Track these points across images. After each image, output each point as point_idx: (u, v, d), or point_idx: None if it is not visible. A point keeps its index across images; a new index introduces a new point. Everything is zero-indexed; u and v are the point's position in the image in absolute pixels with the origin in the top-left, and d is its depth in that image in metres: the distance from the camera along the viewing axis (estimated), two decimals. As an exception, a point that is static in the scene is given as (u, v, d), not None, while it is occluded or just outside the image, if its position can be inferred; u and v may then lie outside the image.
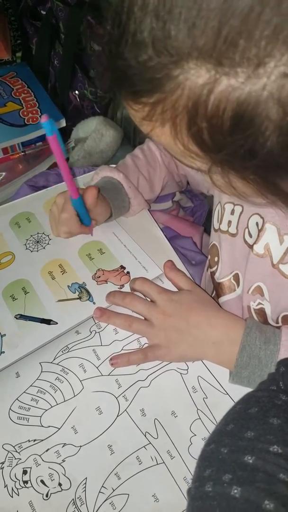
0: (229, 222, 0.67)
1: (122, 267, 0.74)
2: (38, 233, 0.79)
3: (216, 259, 0.71)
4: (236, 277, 0.68)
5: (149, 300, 0.66)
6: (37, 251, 0.77)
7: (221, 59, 0.32)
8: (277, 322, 0.63)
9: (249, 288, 0.65)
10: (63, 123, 1.11)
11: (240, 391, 0.55)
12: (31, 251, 0.77)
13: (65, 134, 1.18)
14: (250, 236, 0.63)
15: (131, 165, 0.82)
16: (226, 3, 0.30)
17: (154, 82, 0.35)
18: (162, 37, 0.33)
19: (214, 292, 0.73)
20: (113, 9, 0.37)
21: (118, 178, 0.78)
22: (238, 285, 0.68)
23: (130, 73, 0.36)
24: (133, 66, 0.36)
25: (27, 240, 0.78)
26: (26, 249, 0.77)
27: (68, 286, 0.72)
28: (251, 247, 0.62)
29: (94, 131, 1.14)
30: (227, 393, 0.61)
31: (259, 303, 0.65)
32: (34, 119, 1.09)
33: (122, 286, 0.71)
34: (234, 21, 0.30)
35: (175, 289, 0.67)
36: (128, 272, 0.73)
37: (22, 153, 1.06)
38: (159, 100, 0.36)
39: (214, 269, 0.72)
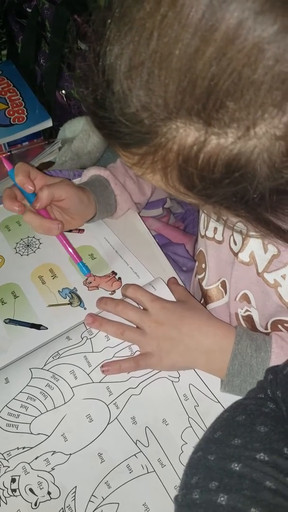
0: (215, 229, 0.67)
1: (114, 273, 0.73)
2: (28, 236, 0.78)
3: (203, 265, 0.71)
4: (224, 285, 0.68)
5: (141, 307, 0.65)
6: (27, 255, 0.76)
7: (210, 120, 0.31)
8: (266, 328, 0.64)
9: (236, 295, 0.65)
10: (49, 123, 1.10)
11: (231, 399, 0.55)
12: (21, 255, 0.76)
13: (51, 134, 1.17)
14: (235, 243, 0.64)
15: (120, 167, 0.83)
16: (215, 66, 0.29)
17: (141, 137, 0.35)
18: (150, 95, 0.32)
19: (202, 299, 0.73)
20: (94, 62, 0.36)
21: (105, 175, 0.79)
22: (225, 292, 0.68)
23: (117, 126, 0.36)
24: (119, 119, 0.35)
25: (17, 243, 0.77)
26: (16, 252, 0.76)
27: (58, 291, 0.71)
28: (236, 254, 0.63)
29: (81, 132, 1.13)
30: (219, 401, 0.61)
31: (247, 310, 0.65)
32: (20, 119, 1.08)
33: (114, 292, 0.71)
34: (223, 83, 0.30)
35: (167, 298, 0.67)
36: (119, 278, 0.72)
37: (8, 153, 1.04)
38: (148, 152, 0.36)
39: (201, 276, 0.72)
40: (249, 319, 0.65)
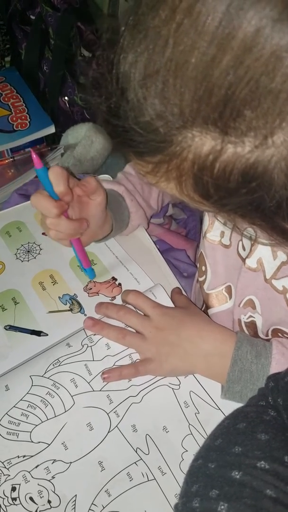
0: (222, 232, 0.67)
1: (114, 279, 0.73)
2: (29, 242, 0.78)
3: (203, 268, 0.71)
4: (228, 289, 0.68)
5: (142, 314, 0.65)
6: (28, 261, 0.76)
7: (227, 129, 0.31)
8: (267, 335, 0.64)
9: (240, 301, 0.65)
10: (52, 129, 1.11)
11: (232, 407, 0.55)
12: (22, 261, 0.76)
13: (54, 140, 1.17)
14: (244, 249, 0.63)
15: (127, 182, 0.78)
16: (232, 75, 0.29)
17: (156, 145, 0.35)
18: (165, 104, 0.32)
19: (204, 304, 0.72)
20: (107, 70, 0.35)
21: (119, 191, 0.75)
22: (230, 297, 0.67)
23: (130, 134, 0.35)
24: (133, 128, 0.34)
25: (17, 249, 0.77)
26: (17, 258, 0.76)
27: (59, 297, 0.71)
28: (243, 260, 0.62)
29: (84, 138, 1.13)
30: (219, 408, 0.60)
31: (250, 316, 0.65)
32: (23, 125, 1.08)
33: (114, 298, 0.70)
34: (241, 92, 0.29)
35: (166, 304, 0.67)
36: (119, 284, 0.72)
37: (11, 159, 1.05)
38: (163, 161, 0.36)
39: (202, 278, 0.72)
40: (251, 325, 0.65)
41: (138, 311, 0.65)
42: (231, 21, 0.28)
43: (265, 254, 0.60)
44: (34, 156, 0.55)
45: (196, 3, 0.29)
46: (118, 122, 0.35)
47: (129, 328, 0.64)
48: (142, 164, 0.38)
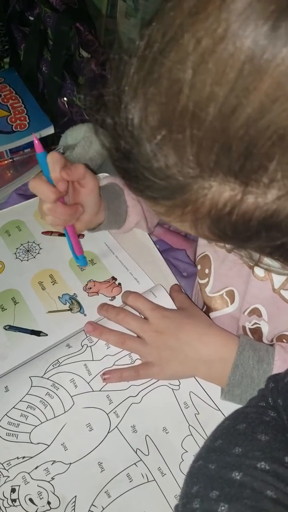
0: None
1: (114, 278, 0.73)
2: (28, 242, 0.78)
3: (206, 271, 0.70)
4: (230, 293, 0.67)
5: (142, 316, 0.65)
6: (27, 260, 0.75)
7: (248, 181, 0.29)
8: (271, 341, 0.63)
9: (246, 309, 0.64)
10: (51, 129, 1.10)
11: (232, 407, 0.55)
12: (21, 261, 0.75)
13: (53, 141, 1.17)
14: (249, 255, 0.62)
15: None
16: (253, 128, 0.27)
17: (170, 192, 0.32)
18: (180, 153, 0.30)
19: (205, 306, 0.72)
20: (115, 109, 0.32)
21: (120, 184, 0.74)
22: (231, 301, 0.67)
23: (142, 178, 0.33)
24: (145, 174, 0.32)
25: (17, 249, 0.77)
26: (16, 258, 0.76)
27: (58, 297, 0.70)
28: (251, 268, 0.61)
29: (83, 138, 1.13)
30: (219, 409, 0.60)
31: (256, 323, 0.64)
32: (22, 126, 1.08)
33: (114, 297, 0.70)
34: (262, 146, 0.27)
35: (168, 305, 0.66)
36: (119, 284, 0.72)
37: (10, 160, 1.05)
38: (177, 205, 0.34)
39: (204, 281, 0.71)
40: (257, 331, 0.64)
41: (138, 313, 0.65)
42: (252, 71, 0.26)
43: (273, 264, 0.59)
44: (36, 140, 0.57)
45: (214, 48, 0.26)
46: (128, 166, 0.33)
47: (129, 331, 0.64)
48: (154, 206, 0.37)
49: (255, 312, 0.63)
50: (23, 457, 0.56)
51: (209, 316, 0.69)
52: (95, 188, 0.66)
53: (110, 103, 0.32)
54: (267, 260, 0.49)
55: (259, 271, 0.60)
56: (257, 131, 0.27)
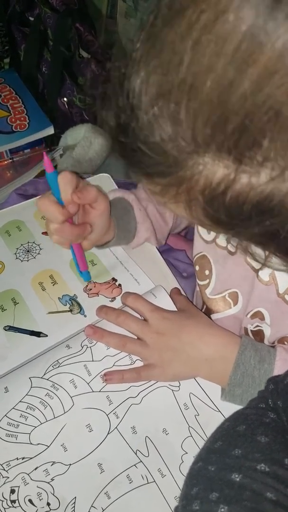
0: (229, 237, 0.66)
1: (114, 280, 0.73)
2: (28, 242, 0.77)
3: (206, 272, 0.70)
4: (233, 295, 0.66)
5: (142, 318, 0.64)
6: (28, 260, 0.75)
7: (242, 158, 0.29)
8: (273, 343, 0.63)
9: (249, 311, 0.64)
10: (51, 130, 1.11)
11: (232, 408, 0.54)
12: (21, 261, 0.75)
13: (53, 141, 1.17)
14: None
15: (142, 191, 0.76)
16: (250, 102, 0.27)
17: (164, 168, 0.33)
18: (176, 126, 0.30)
19: (205, 307, 0.71)
20: (118, 83, 0.33)
21: (129, 199, 0.73)
22: (234, 303, 0.66)
23: (139, 155, 0.33)
24: (142, 148, 0.33)
25: (17, 249, 0.77)
26: (16, 258, 0.75)
27: (59, 298, 0.70)
28: (256, 271, 0.61)
29: (83, 139, 1.13)
30: (219, 410, 0.60)
31: (258, 326, 0.64)
32: (22, 126, 1.08)
33: (114, 299, 0.70)
34: (258, 121, 0.27)
35: (168, 306, 0.66)
36: (119, 285, 0.72)
37: (10, 160, 1.05)
38: (172, 183, 0.34)
39: (205, 282, 0.70)
40: (259, 333, 0.64)
41: (138, 315, 0.65)
42: (252, 43, 0.26)
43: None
44: (46, 159, 0.55)
45: (216, 20, 0.27)
46: (126, 140, 0.34)
47: (129, 333, 0.63)
48: (149, 185, 0.37)
49: (258, 315, 0.63)
50: (23, 458, 0.56)
51: (209, 317, 0.69)
52: (106, 210, 0.65)
53: (115, 77, 0.33)
54: (274, 260, 0.48)
55: (263, 276, 0.60)
56: (254, 105, 0.27)
